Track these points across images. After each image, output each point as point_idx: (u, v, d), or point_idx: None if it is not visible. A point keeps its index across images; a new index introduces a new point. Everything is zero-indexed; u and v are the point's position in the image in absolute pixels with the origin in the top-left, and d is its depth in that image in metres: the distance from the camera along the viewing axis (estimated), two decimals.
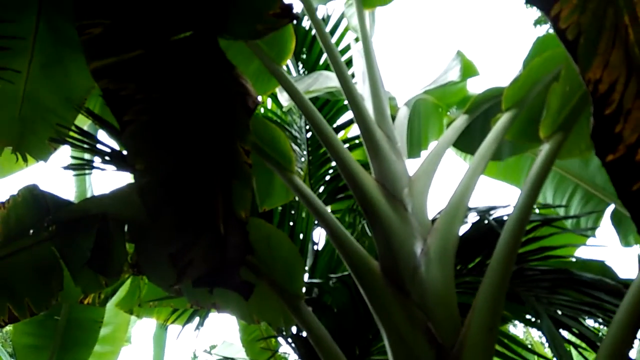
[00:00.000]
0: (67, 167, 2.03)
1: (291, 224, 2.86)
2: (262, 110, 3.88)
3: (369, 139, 1.80)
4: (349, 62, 3.02)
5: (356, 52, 2.17)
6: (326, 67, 3.49)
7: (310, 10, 2.01)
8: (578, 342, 2.10)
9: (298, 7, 2.54)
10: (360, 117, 1.85)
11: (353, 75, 2.42)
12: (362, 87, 2.15)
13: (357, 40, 2.14)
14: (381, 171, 1.73)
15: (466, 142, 2.44)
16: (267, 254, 1.76)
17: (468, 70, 2.93)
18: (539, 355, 2.86)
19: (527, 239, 2.17)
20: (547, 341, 1.78)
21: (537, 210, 3.24)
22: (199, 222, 1.84)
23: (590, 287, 1.75)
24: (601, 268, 2.69)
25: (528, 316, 2.25)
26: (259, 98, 3.99)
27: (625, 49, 1.14)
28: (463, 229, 2.40)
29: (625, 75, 1.13)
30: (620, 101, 1.12)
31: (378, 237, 1.58)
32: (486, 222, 2.17)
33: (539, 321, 1.81)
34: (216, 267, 1.92)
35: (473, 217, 2.39)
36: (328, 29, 3.39)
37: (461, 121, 2.23)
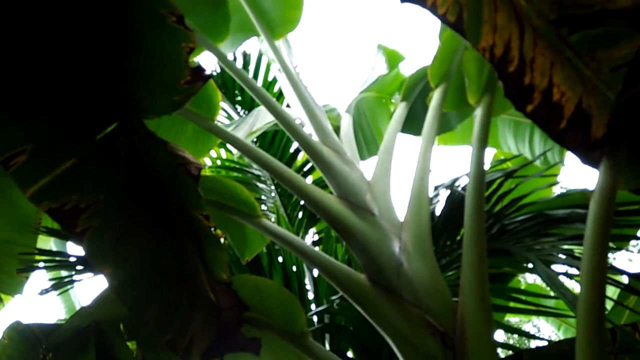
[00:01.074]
0: (44, 292, 2.00)
1: (280, 259, 2.86)
2: (218, 162, 3.91)
3: (318, 160, 1.83)
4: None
5: (283, 81, 2.21)
6: None
7: (224, 60, 2.05)
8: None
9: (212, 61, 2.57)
10: (303, 142, 1.88)
11: (289, 105, 2.46)
12: (298, 111, 2.18)
13: (280, 70, 2.19)
14: (339, 186, 1.76)
15: (414, 126, 2.50)
16: (261, 304, 1.77)
17: (393, 58, 3.00)
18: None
19: (501, 194, 2.23)
20: (546, 284, 1.82)
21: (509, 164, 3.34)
22: (187, 298, 1.84)
23: (566, 222, 1.81)
24: (582, 196, 2.77)
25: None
26: (213, 152, 4.02)
27: (510, 7, 1.20)
28: (441, 208, 2.47)
29: (518, 31, 1.19)
30: (520, 55, 1.17)
31: (356, 250, 1.61)
32: (457, 193, 2.22)
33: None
34: (218, 335, 1.93)
35: (445, 193, 2.45)
36: (253, 65, 3.45)
37: (401, 109, 2.29)
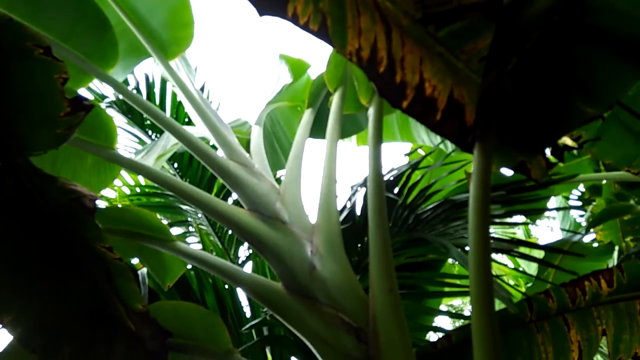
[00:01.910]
0: None
1: (211, 280, 2.81)
2: (137, 189, 3.78)
3: (225, 175, 1.83)
4: None
5: (183, 100, 2.18)
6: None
7: (117, 86, 1.99)
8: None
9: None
10: (208, 160, 1.87)
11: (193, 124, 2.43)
12: (202, 129, 2.16)
13: (179, 89, 2.16)
14: (249, 199, 1.77)
15: (322, 131, 2.55)
16: (183, 329, 1.73)
17: (299, 67, 3.04)
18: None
19: (411, 186, 2.33)
20: (462, 265, 1.92)
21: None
22: (105, 334, 1.76)
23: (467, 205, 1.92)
24: (496, 178, 2.95)
25: None
26: (131, 180, 3.89)
27: (375, 10, 1.25)
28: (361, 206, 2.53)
29: (385, 32, 1.25)
30: (389, 55, 1.23)
31: (270, 260, 1.62)
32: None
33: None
34: None
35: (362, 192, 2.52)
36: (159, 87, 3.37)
37: (307, 116, 2.33)
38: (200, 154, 1.87)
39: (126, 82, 3.20)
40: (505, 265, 5.66)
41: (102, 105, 3.12)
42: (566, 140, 2.52)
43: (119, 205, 3.13)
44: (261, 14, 1.00)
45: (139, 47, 2.14)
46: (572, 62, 1.21)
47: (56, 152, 1.93)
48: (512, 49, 1.09)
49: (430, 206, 2.19)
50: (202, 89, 3.36)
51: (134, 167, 1.83)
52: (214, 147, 2.27)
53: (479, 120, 1.22)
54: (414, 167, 2.23)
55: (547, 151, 1.44)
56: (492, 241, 2.03)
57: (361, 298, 1.46)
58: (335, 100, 2.04)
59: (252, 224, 1.65)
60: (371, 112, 1.70)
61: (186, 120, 3.40)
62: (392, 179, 2.34)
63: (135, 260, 2.76)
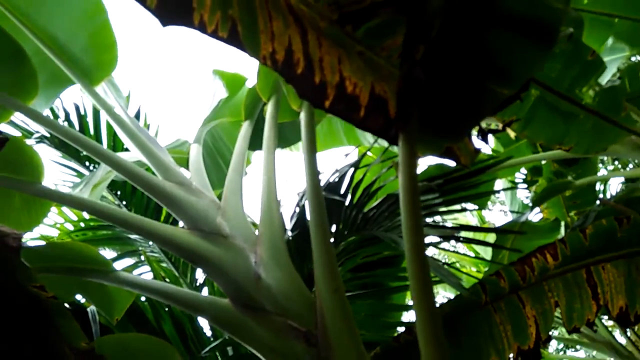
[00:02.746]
0: None
1: (167, 309, 2.72)
2: (82, 224, 3.62)
3: (162, 196, 1.78)
4: None
5: (114, 126, 2.12)
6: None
7: (37, 118, 1.91)
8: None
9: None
10: (142, 183, 1.81)
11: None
12: (136, 153, 2.10)
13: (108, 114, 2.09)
14: (188, 217, 1.73)
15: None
16: None
17: (235, 82, 3.01)
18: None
19: (355, 186, 2.35)
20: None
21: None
22: None
23: None
24: (438, 168, 3.01)
25: None
26: (73, 215, 3.72)
27: (288, 14, 1.26)
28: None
29: (300, 35, 1.25)
30: (306, 57, 1.23)
31: (215, 276, 1.59)
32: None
33: None
34: None
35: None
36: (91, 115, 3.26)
37: (245, 128, 2.31)
38: (134, 178, 1.82)
39: (55, 114, 3.07)
40: (465, 255, 5.79)
41: (32, 140, 2.97)
42: (494, 125, 2.63)
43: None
44: (164, 24, 0.98)
45: (60, 75, 2.06)
46: (483, 47, 1.25)
47: None
48: (418, 38, 1.12)
49: (375, 204, 2.20)
50: (137, 114, 3.27)
51: (65, 200, 1.76)
52: (151, 170, 2.21)
53: (399, 111, 1.24)
54: (355, 165, 2.25)
55: (474, 137, 1.48)
56: (434, 229, 2.08)
57: (308, 301, 1.45)
58: (269, 109, 2.03)
59: (191, 242, 1.61)
60: (302, 117, 1.70)
61: (125, 147, 3.30)
62: (336, 180, 2.34)
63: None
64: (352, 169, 2.27)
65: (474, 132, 1.47)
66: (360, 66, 1.32)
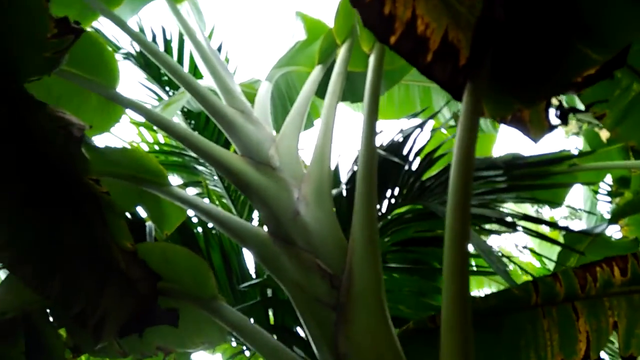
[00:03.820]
0: None
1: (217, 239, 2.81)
2: (156, 147, 3.81)
3: (222, 120, 1.81)
4: None
5: (191, 47, 2.15)
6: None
7: (122, 25, 1.98)
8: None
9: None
10: (208, 106, 1.84)
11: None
12: (207, 79, 2.14)
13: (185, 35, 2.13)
14: (243, 145, 1.74)
15: None
16: (171, 273, 1.74)
17: (315, 28, 2.95)
18: None
19: (417, 151, 2.25)
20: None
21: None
22: (97, 271, 1.78)
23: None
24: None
25: None
26: (149, 137, 3.92)
27: None
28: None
29: None
30: None
31: (258, 206, 1.59)
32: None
33: None
34: (135, 309, 1.88)
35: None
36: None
37: (316, 72, 2.27)
38: (201, 100, 1.85)
39: (142, 31, 3.18)
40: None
41: (119, 56, 3.12)
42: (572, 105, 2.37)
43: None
44: None
45: None
46: None
47: (59, 90, 1.94)
48: None
49: (435, 173, 2.11)
50: (219, 48, 3.33)
51: (135, 106, 1.82)
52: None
53: (472, 54, 1.14)
54: (420, 126, 2.14)
55: (552, 113, 1.34)
56: (490, 209, 1.94)
57: (341, 247, 1.42)
58: (341, 52, 1.97)
59: (242, 168, 1.63)
60: (371, 60, 1.63)
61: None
62: (400, 140, 2.26)
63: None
64: (417, 131, 2.17)
65: (553, 108, 1.34)
66: (438, 6, 1.23)
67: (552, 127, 1.36)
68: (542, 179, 2.20)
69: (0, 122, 1.51)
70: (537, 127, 1.35)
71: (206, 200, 3.62)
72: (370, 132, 1.50)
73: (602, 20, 1.04)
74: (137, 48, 3.16)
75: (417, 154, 2.21)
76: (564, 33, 1.07)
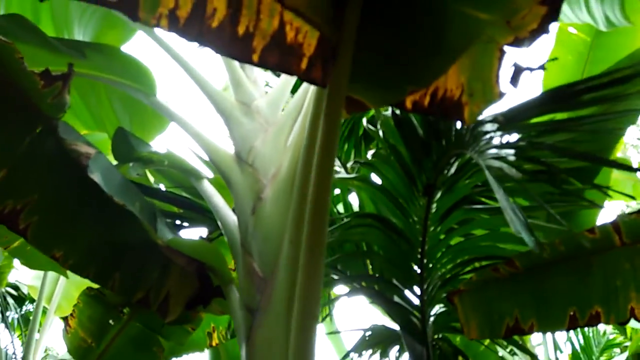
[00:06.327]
0: None
1: None
2: None
3: (219, 110, 1.90)
4: None
5: None
6: None
7: None
8: None
9: None
10: (206, 93, 1.95)
11: None
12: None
13: None
14: (233, 137, 1.82)
15: None
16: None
17: None
18: None
19: None
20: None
21: None
22: (157, 258, 2.08)
23: None
24: None
25: None
26: None
27: None
28: None
29: None
30: None
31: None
32: None
33: None
34: (194, 287, 2.19)
35: None
36: None
37: None
38: (200, 86, 1.97)
39: None
40: None
41: None
42: None
43: None
44: None
45: None
46: None
47: None
48: None
49: None
50: None
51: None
52: None
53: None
54: None
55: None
56: None
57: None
58: None
59: (225, 162, 1.76)
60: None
61: None
62: None
63: None
64: None
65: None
66: None
67: (502, 94, 1.11)
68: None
69: (46, 151, 1.81)
70: (480, 100, 1.11)
71: None
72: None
73: None
74: None
75: None
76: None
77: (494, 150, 1.73)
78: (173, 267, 2.12)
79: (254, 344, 1.29)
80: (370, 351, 2.36)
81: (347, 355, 2.34)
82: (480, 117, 1.87)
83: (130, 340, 2.56)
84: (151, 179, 2.70)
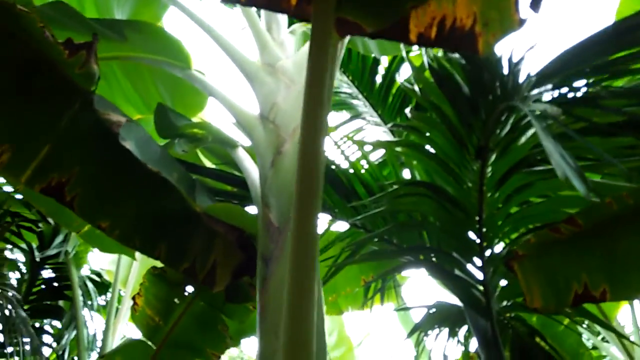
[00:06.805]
0: None
1: None
2: None
3: (243, 71, 1.89)
4: None
5: None
6: None
7: None
8: None
9: None
10: (231, 56, 1.94)
11: None
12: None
13: None
14: (256, 95, 1.78)
15: None
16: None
17: None
18: None
19: None
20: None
21: None
22: (203, 230, 2.10)
23: None
24: None
25: None
26: None
27: None
28: None
29: None
30: None
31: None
32: None
33: None
34: (239, 258, 2.18)
35: None
36: None
37: None
38: (225, 50, 1.97)
39: None
40: None
41: None
42: None
43: None
44: None
45: None
46: None
47: None
48: None
49: None
50: None
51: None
52: None
53: None
54: None
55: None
56: None
57: None
58: None
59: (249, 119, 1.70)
60: None
61: None
62: None
63: None
64: None
65: None
66: None
67: (522, 22, 0.95)
68: None
69: (85, 125, 1.89)
70: (497, 30, 0.96)
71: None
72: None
73: None
74: None
75: None
76: None
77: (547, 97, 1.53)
78: (217, 237, 2.13)
79: (268, 292, 1.25)
80: (437, 330, 2.22)
81: (413, 331, 2.21)
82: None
83: (195, 318, 2.61)
84: (206, 162, 2.73)
